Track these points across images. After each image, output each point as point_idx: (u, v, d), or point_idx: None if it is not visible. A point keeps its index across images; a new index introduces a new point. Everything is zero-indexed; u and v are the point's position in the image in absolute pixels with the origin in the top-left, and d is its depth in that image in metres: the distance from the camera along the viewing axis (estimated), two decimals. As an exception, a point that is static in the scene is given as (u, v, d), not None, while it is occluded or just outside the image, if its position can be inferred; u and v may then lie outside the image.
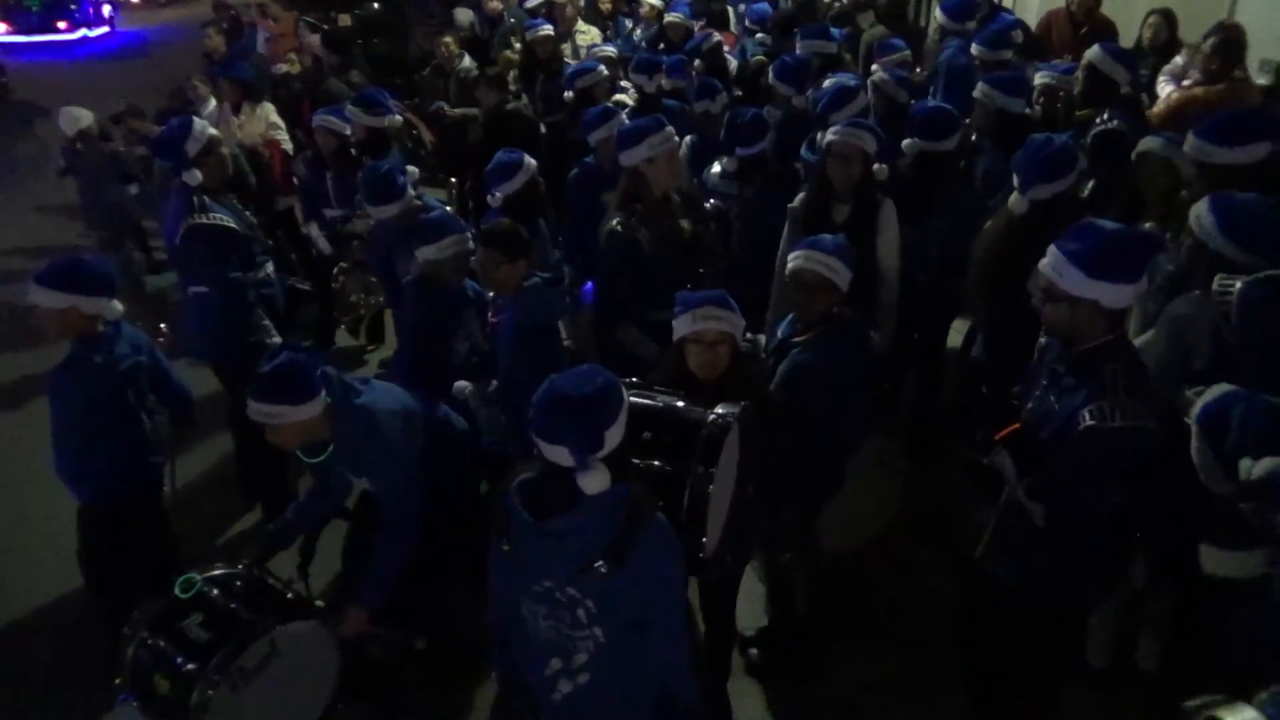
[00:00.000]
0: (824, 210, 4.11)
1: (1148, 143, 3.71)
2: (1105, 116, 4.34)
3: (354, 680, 2.69)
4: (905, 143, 4.26)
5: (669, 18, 7.78)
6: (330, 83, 7.34)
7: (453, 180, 7.38)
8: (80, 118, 6.96)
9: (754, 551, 3.56)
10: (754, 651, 3.78)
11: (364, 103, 5.32)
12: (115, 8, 22.82)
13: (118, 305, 3.42)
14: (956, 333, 4.89)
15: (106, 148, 7.10)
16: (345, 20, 11.38)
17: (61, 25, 20.58)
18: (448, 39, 7.91)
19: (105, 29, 21.84)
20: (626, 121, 4.58)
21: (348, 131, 5.35)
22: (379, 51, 10.75)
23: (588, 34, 8.27)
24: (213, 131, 4.36)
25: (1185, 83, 5.14)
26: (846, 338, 3.31)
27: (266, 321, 4.41)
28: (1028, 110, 4.59)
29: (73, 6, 21.05)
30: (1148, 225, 3.53)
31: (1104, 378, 2.49)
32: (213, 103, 7.14)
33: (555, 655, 2.23)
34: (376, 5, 11.96)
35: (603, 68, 6.07)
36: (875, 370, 3.74)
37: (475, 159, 6.75)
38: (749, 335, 3.31)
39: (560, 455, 2.05)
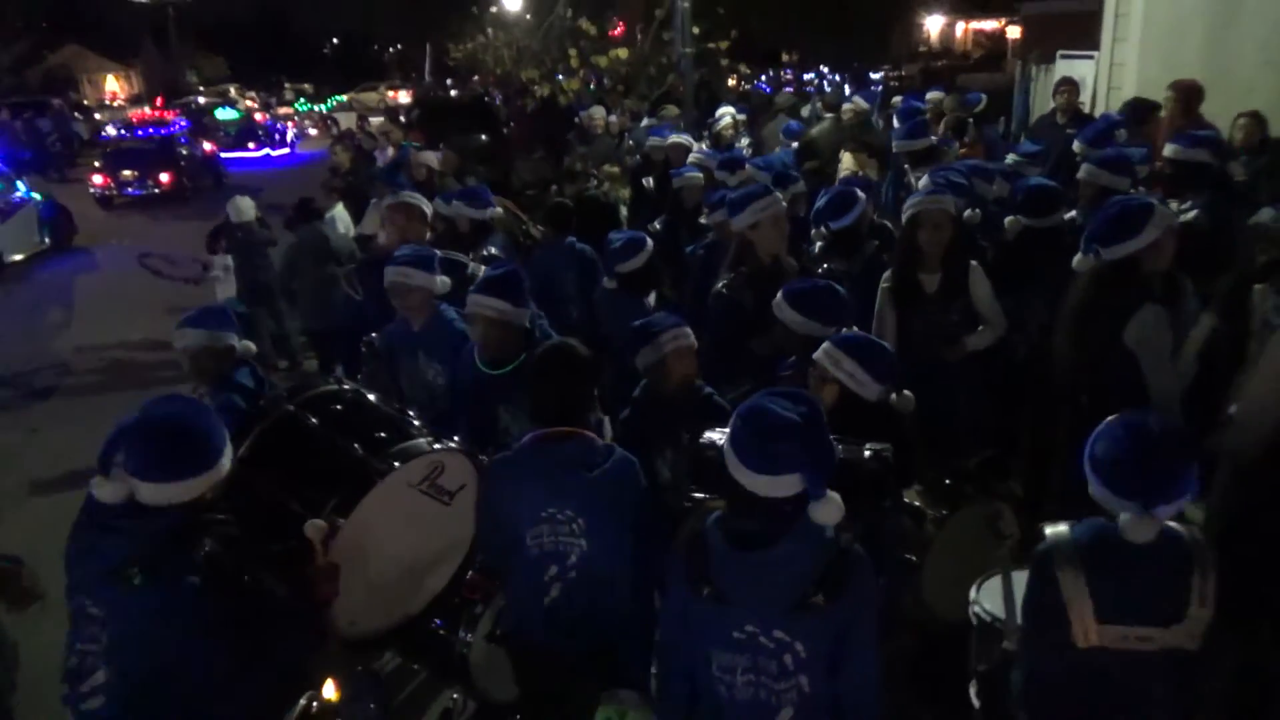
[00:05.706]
0: (914, 281, 3.99)
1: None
2: (1188, 205, 4.29)
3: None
4: (1008, 220, 4.29)
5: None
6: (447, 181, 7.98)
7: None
8: (244, 208, 7.95)
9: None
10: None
11: (466, 197, 5.68)
12: (297, 137, 28.38)
13: (251, 344, 3.76)
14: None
15: (260, 233, 8.03)
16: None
17: (250, 145, 25.66)
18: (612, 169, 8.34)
19: (286, 150, 26.67)
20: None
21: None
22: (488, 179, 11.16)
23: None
24: None
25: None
26: None
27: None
28: (1132, 190, 4.44)
29: (260, 133, 26.57)
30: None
31: None
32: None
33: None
34: (484, 137, 12.42)
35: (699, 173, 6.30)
36: None
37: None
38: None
39: (785, 486, 1.91)
